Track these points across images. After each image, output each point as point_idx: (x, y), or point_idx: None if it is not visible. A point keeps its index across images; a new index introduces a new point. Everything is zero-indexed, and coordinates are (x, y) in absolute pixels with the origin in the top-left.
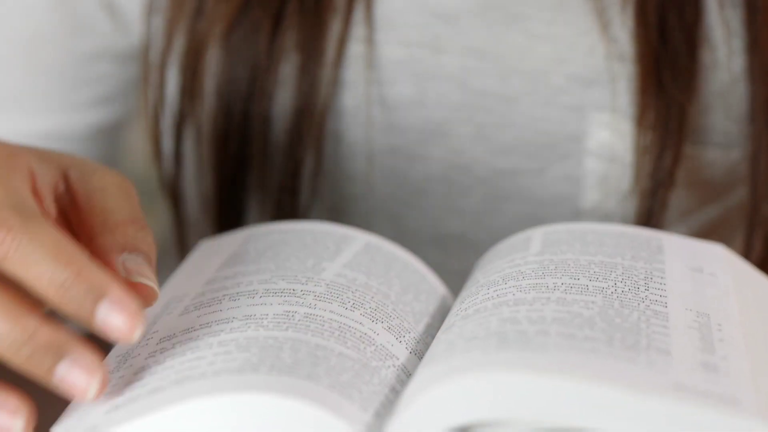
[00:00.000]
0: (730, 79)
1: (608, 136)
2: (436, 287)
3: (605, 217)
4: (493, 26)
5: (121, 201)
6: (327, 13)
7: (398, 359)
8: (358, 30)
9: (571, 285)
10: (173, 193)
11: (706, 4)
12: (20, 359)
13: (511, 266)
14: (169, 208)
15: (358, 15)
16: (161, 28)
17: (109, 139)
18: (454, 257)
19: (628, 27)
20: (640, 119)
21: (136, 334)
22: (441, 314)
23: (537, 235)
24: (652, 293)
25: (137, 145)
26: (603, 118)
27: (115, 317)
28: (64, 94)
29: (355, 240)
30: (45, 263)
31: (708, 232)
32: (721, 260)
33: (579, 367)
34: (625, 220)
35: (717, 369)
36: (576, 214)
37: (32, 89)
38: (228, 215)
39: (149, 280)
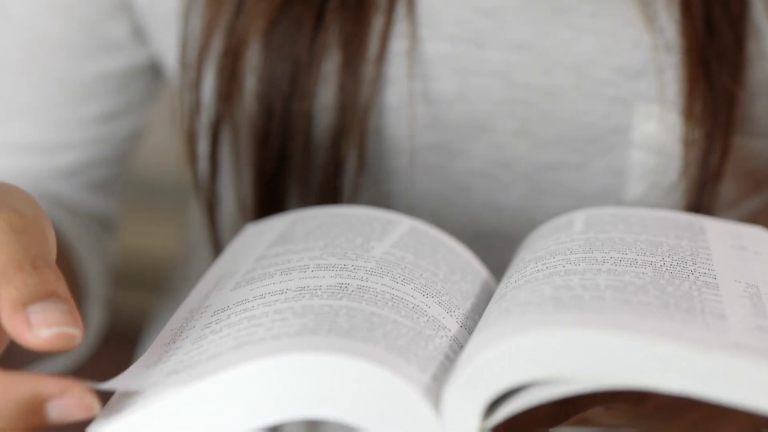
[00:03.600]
0: None
1: (655, 128)
2: (480, 270)
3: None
4: (536, 20)
5: (12, 245)
6: (369, 10)
7: (450, 331)
8: (400, 26)
9: (620, 259)
10: (208, 196)
11: None
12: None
13: (557, 243)
14: (203, 211)
15: (401, 11)
16: (198, 28)
17: (120, 148)
18: (493, 253)
19: (674, 19)
20: (689, 111)
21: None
22: (485, 296)
23: (579, 217)
24: (700, 267)
25: (170, 148)
26: (650, 109)
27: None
28: (71, 108)
29: (400, 224)
30: None
31: (751, 221)
32: (764, 241)
33: (638, 326)
34: None
35: None
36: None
37: (39, 100)
38: (268, 216)
39: (62, 327)
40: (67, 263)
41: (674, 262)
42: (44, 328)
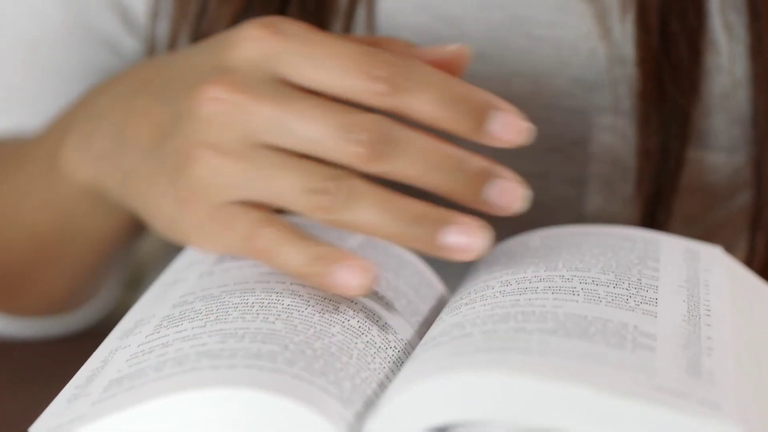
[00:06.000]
0: (733, 83)
1: (611, 140)
2: (436, 285)
3: (609, 221)
4: (494, 29)
5: None
6: (328, 15)
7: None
8: (359, 32)
9: (560, 288)
10: None
11: (708, 9)
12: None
13: (508, 275)
14: None
15: (360, 17)
16: (166, 31)
17: None
18: (453, 263)
19: (629, 32)
20: (643, 123)
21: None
22: (438, 312)
23: (535, 239)
24: (642, 293)
25: None
26: (606, 121)
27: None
28: (71, 97)
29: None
30: None
31: (710, 237)
32: (717, 263)
33: (559, 368)
34: (628, 225)
35: (701, 373)
36: (579, 219)
37: (40, 91)
38: None
39: None
40: None
41: (619, 292)
42: None
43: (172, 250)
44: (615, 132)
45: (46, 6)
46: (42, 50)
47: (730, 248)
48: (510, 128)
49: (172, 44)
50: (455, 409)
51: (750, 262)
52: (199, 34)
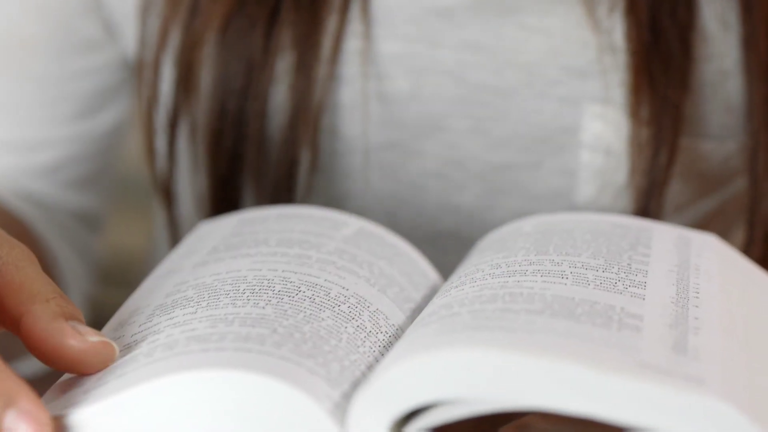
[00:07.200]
0: (724, 72)
1: (602, 128)
2: (429, 274)
3: (600, 211)
4: (487, 20)
5: (41, 275)
6: (323, 9)
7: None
8: (354, 25)
9: (549, 271)
10: (166, 191)
11: (699, 1)
12: None
13: (501, 259)
14: (162, 207)
15: (354, 10)
16: (156, 26)
17: (100, 144)
18: (449, 254)
19: (619, 24)
20: (634, 115)
21: None
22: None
23: (527, 226)
24: (632, 277)
25: (129, 144)
26: (597, 109)
27: (22, 427)
28: (50, 106)
29: (347, 225)
30: None
31: (704, 225)
32: (709, 248)
33: (544, 346)
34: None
35: (686, 351)
36: (571, 209)
37: (16, 99)
38: (223, 213)
39: (105, 337)
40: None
41: (608, 275)
42: (92, 335)
43: (157, 248)
44: (606, 120)
45: (22, 12)
46: (19, 57)
47: (723, 236)
48: (24, 426)
49: (163, 41)
50: (442, 387)
51: (747, 253)
52: (191, 30)
